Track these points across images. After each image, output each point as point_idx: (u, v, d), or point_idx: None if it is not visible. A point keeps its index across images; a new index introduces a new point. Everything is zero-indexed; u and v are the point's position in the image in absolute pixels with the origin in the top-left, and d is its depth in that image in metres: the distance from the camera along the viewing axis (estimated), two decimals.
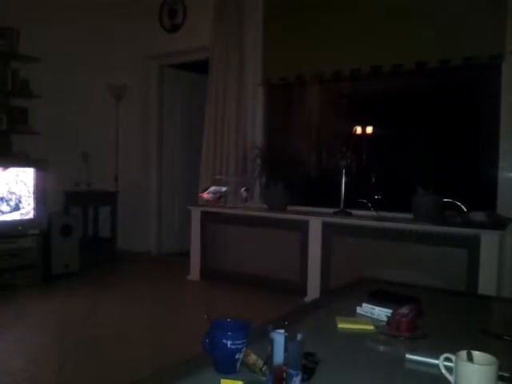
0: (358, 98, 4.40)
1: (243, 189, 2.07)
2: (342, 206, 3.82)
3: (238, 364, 1.23)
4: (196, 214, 4.49)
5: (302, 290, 3.76)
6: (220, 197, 2.16)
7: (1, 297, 3.66)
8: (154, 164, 5.58)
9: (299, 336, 1.05)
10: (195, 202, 4.62)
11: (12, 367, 2.42)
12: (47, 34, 4.70)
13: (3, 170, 3.89)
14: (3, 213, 3.88)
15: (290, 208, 4.15)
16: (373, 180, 4.01)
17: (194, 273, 4.49)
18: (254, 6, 4.46)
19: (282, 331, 1.04)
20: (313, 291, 3.68)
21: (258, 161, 4.24)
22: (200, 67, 5.01)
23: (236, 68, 4.40)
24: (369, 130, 3.92)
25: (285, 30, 4.36)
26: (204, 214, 4.44)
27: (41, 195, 4.08)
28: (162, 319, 3.34)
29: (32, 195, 4.05)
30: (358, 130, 3.93)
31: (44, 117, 4.73)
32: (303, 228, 3.78)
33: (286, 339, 1.03)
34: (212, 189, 2.15)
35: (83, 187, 4.95)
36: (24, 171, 4.01)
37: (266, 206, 4.26)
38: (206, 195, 2.09)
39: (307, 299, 3.67)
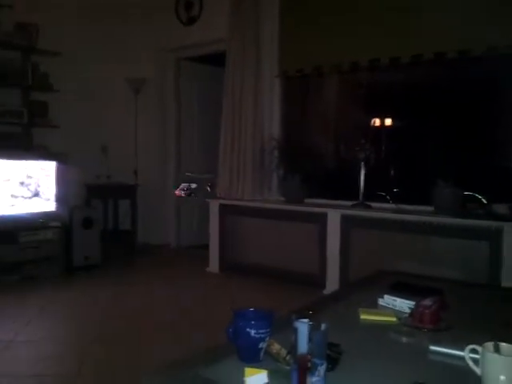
0: (377, 89, 4.35)
1: (207, 186, 2.10)
2: (360, 198, 3.79)
3: (262, 353, 1.24)
4: (214, 207, 4.52)
5: (321, 282, 3.75)
6: (190, 193, 2.18)
7: (24, 288, 3.73)
8: (172, 157, 5.61)
9: (323, 326, 1.05)
10: (214, 194, 4.64)
11: (38, 356, 2.47)
12: (66, 29, 4.76)
13: (25, 162, 3.95)
14: (25, 206, 3.95)
15: (307, 201, 4.14)
16: (392, 172, 3.98)
17: (213, 265, 4.52)
18: None
19: (306, 320, 1.04)
20: (332, 284, 3.68)
21: (276, 153, 4.24)
22: (217, 60, 5.01)
23: (252, 60, 4.38)
24: (388, 121, 3.89)
25: (301, 20, 4.33)
26: (222, 207, 4.47)
27: (62, 188, 4.13)
28: (182, 310, 3.38)
29: (53, 188, 4.11)
30: (377, 121, 3.90)
31: (64, 110, 4.79)
32: (321, 220, 3.77)
33: (310, 329, 1.03)
34: (183, 185, 2.18)
35: (103, 180, 5.00)
36: (45, 164, 4.07)
37: (283, 199, 4.26)
38: (177, 192, 2.13)
39: (326, 292, 3.67)
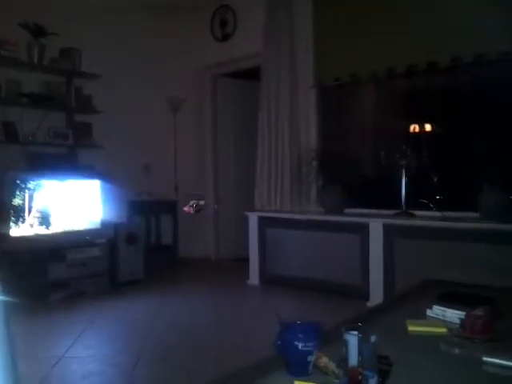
0: (416, 94, 4.28)
1: (192, 202, 2.12)
2: (403, 206, 3.72)
3: (310, 366, 1.24)
4: (253, 220, 4.54)
5: (364, 293, 3.69)
6: (199, 209, 2.20)
7: (72, 304, 3.84)
8: (210, 171, 5.70)
9: (373, 338, 1.04)
10: (251, 207, 4.67)
11: (87, 371, 2.54)
12: (106, 52, 4.94)
13: (71, 181, 4.10)
14: (72, 224, 4.09)
15: (347, 211, 4.10)
16: (434, 179, 3.89)
17: (254, 277, 4.53)
18: (303, 9, 4.46)
19: (356, 333, 1.04)
20: (376, 295, 3.61)
21: (314, 163, 4.23)
22: (252, 74, 5.08)
23: (287, 72, 4.42)
24: (428, 127, 3.81)
25: (336, 29, 4.33)
26: (261, 219, 4.48)
27: (107, 206, 4.26)
28: (226, 322, 3.40)
29: (99, 206, 4.24)
30: (417, 127, 3.83)
31: (107, 131, 4.96)
32: (363, 231, 3.72)
33: (360, 341, 1.02)
34: (191, 202, 2.20)
35: (145, 197, 5.12)
36: (90, 183, 4.21)
37: (322, 209, 4.24)
38: (186, 208, 2.16)
39: (370, 303, 3.60)
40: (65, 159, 4.60)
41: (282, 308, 3.66)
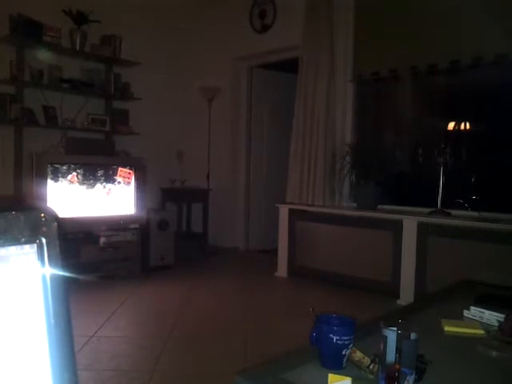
0: (457, 91, 4.17)
1: None
2: (439, 205, 3.65)
3: (345, 360, 1.23)
4: (284, 212, 4.54)
5: (394, 291, 3.64)
6: None
7: (105, 286, 3.94)
8: (242, 162, 5.72)
9: (413, 335, 1.03)
10: (283, 199, 4.66)
11: (116, 352, 2.60)
12: (146, 39, 5.01)
13: (108, 166, 4.19)
14: (107, 209, 4.18)
15: (380, 207, 4.05)
16: (472, 179, 3.79)
17: (282, 269, 4.53)
18: (344, 2, 4.39)
19: (395, 329, 1.02)
20: (406, 294, 3.56)
21: (348, 159, 4.18)
22: (289, 66, 5.05)
23: (326, 65, 4.37)
24: (468, 125, 3.71)
25: (376, 23, 4.25)
26: (292, 212, 4.47)
27: (140, 192, 4.34)
28: (254, 312, 3.42)
29: (133, 192, 4.32)
30: (457, 125, 3.74)
31: (143, 118, 5.03)
32: (396, 228, 3.66)
33: (399, 337, 1.01)
34: None
35: (178, 185, 5.19)
36: (126, 169, 4.29)
37: (355, 205, 4.20)
38: None
39: (400, 301, 3.56)
40: (102, 145, 4.70)
41: (310, 301, 3.65)
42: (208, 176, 5.50)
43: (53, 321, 0.41)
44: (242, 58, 5.52)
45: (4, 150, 4.26)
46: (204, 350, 2.68)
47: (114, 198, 4.23)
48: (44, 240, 0.42)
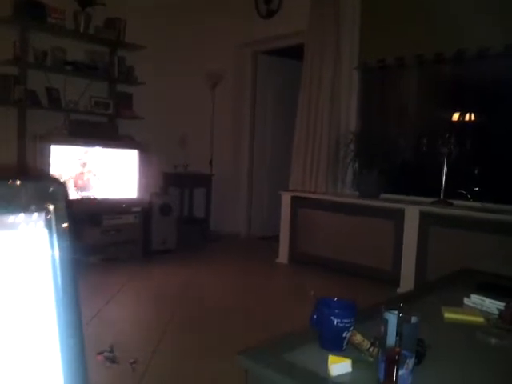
0: (463, 81, 4.14)
1: (106, 354, 2.12)
2: (441, 195, 3.64)
3: (345, 342, 1.24)
4: (286, 199, 4.54)
5: (394, 279, 3.66)
6: (113, 361, 2.16)
7: (107, 269, 3.97)
8: (245, 149, 5.71)
9: (414, 318, 1.04)
10: (285, 186, 4.66)
11: (117, 332, 2.62)
12: (149, 23, 4.96)
13: (111, 150, 4.19)
14: (110, 192, 4.19)
15: (383, 196, 4.05)
16: (476, 170, 3.78)
17: (283, 256, 4.55)
18: None
19: (396, 312, 1.03)
20: (407, 282, 3.58)
21: (352, 146, 4.17)
22: (294, 53, 5.01)
23: (331, 52, 4.33)
24: (473, 116, 3.69)
25: (383, 9, 4.21)
26: (294, 199, 4.48)
27: (143, 176, 4.34)
28: (254, 296, 3.44)
29: (136, 175, 4.32)
30: (462, 116, 3.72)
31: (146, 102, 5.01)
32: (398, 217, 3.67)
33: (400, 320, 1.02)
34: (106, 354, 2.22)
35: (180, 170, 5.19)
36: (129, 153, 4.28)
37: (358, 193, 4.20)
38: (99, 358, 2.17)
39: (400, 290, 3.57)
40: (105, 128, 4.69)
41: (310, 287, 3.67)
42: (211, 161, 5.49)
43: (60, 286, 0.42)
44: (247, 44, 5.48)
45: (7, 131, 4.25)
46: (204, 332, 2.70)
47: (117, 181, 4.24)
48: (52, 208, 0.42)
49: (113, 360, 2.20)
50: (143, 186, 4.34)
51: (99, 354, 2.23)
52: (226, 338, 2.60)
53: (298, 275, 4.20)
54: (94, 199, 4.06)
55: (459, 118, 3.71)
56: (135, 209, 4.32)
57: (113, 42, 4.78)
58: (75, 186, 3.96)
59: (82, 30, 4.55)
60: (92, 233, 4.05)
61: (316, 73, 4.41)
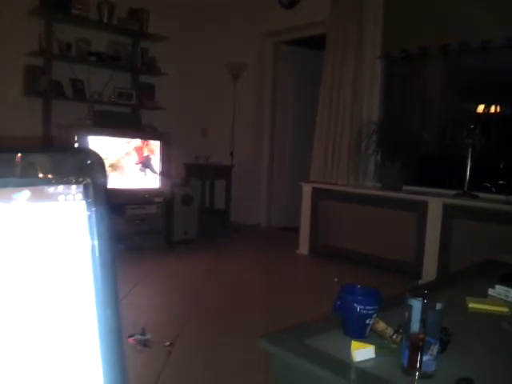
0: (489, 72, 4.05)
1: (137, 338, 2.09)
2: (465, 187, 3.59)
3: (368, 329, 1.24)
4: (307, 190, 4.53)
5: (416, 272, 3.63)
6: (145, 345, 2.14)
7: (131, 258, 4.02)
8: (266, 140, 5.70)
9: (438, 305, 1.03)
10: (306, 178, 4.65)
11: (139, 320, 2.66)
12: (172, 14, 4.98)
13: (134, 140, 4.23)
14: (134, 182, 4.24)
15: (405, 188, 4.01)
16: (501, 163, 3.71)
17: (303, 247, 4.54)
18: None
19: (420, 299, 1.03)
20: (429, 275, 3.54)
21: (374, 137, 4.13)
22: (316, 43, 4.97)
23: (354, 42, 4.28)
24: (499, 107, 3.61)
25: None
26: (315, 191, 4.46)
27: (165, 166, 4.38)
28: (275, 286, 3.46)
29: (158, 166, 4.36)
30: (488, 107, 3.64)
31: (169, 93, 5.05)
32: (421, 209, 3.63)
33: (425, 307, 1.01)
34: (137, 337, 2.20)
35: (202, 161, 5.22)
36: (151, 143, 4.33)
37: (379, 185, 4.16)
38: (131, 341, 2.14)
39: (422, 282, 3.54)
40: (128, 119, 4.75)
41: (331, 277, 3.67)
42: (232, 153, 5.50)
43: (98, 257, 0.43)
44: (269, 34, 5.45)
45: (33, 122, 4.34)
46: (228, 318, 2.73)
47: (140, 172, 4.28)
48: (90, 181, 0.44)
49: (144, 343, 2.23)
50: (165, 176, 4.38)
51: (130, 337, 2.26)
52: (247, 326, 2.62)
53: (318, 266, 4.20)
54: (119, 188, 4.12)
55: (484, 109, 3.63)
56: (158, 199, 4.37)
57: (136, 33, 4.82)
58: None
59: (105, 21, 4.60)
60: (116, 222, 4.11)
61: (338, 63, 4.37)
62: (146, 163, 4.22)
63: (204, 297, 3.14)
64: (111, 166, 4.08)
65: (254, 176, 5.70)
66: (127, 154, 4.19)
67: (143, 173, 4.26)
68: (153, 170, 4.28)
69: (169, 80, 5.03)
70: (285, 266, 4.14)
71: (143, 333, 2.31)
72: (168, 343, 2.24)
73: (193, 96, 5.26)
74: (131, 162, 4.21)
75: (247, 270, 3.94)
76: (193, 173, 5.23)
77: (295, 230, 4.72)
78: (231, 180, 5.39)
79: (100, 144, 4.00)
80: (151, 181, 4.34)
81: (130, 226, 4.18)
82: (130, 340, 2.25)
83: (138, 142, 4.20)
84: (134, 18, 4.80)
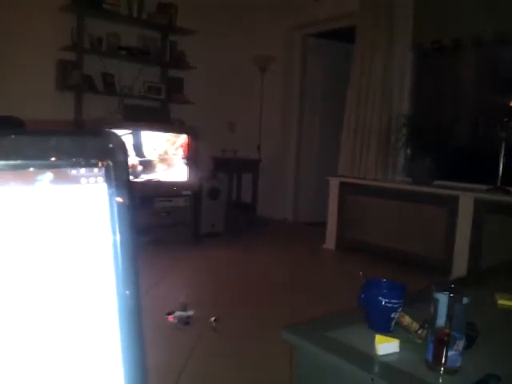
0: None
1: (178, 314, 2.02)
2: (498, 182, 3.49)
3: (393, 323, 1.23)
4: (334, 185, 4.49)
5: (446, 268, 3.56)
6: (186, 322, 2.07)
7: (157, 249, 4.08)
8: (294, 133, 5.68)
9: (465, 299, 1.01)
10: (333, 172, 4.61)
11: (166, 310, 2.70)
12: (201, 8, 5.00)
13: (164, 134, 4.29)
14: (162, 175, 4.30)
15: (436, 182, 3.92)
16: None
17: (330, 242, 4.52)
18: None
19: (447, 293, 1.01)
20: (459, 271, 3.46)
21: (404, 131, 4.06)
22: (344, 35, 4.90)
23: (384, 33, 4.21)
24: None
25: None
26: (342, 185, 4.42)
27: (193, 160, 4.41)
28: (301, 279, 3.46)
29: (186, 159, 4.40)
30: None
31: (197, 86, 5.08)
32: (452, 204, 3.55)
33: (452, 301, 0.99)
34: (178, 313, 2.09)
35: (229, 154, 5.23)
36: (180, 137, 4.36)
37: (409, 180, 4.09)
38: (171, 319, 2.04)
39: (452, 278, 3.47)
40: (157, 112, 4.80)
41: (356, 273, 3.64)
42: (259, 147, 5.50)
43: (118, 239, 0.44)
44: (297, 27, 5.41)
45: (65, 115, 4.43)
46: (254, 311, 2.75)
47: (169, 165, 4.33)
48: (112, 164, 0.44)
49: (186, 321, 2.16)
50: (193, 169, 4.41)
51: (169, 314, 2.21)
52: (274, 317, 2.63)
53: (345, 261, 4.17)
54: (148, 181, 4.18)
55: None
56: (185, 192, 4.41)
57: (165, 27, 4.86)
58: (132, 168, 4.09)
59: (135, 16, 4.66)
60: (144, 214, 4.17)
61: (367, 55, 4.30)
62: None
63: (230, 289, 3.16)
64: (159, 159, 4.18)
65: (281, 170, 5.68)
66: (176, 148, 4.28)
67: (188, 167, 4.33)
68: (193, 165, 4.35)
69: (197, 74, 5.06)
70: (311, 261, 4.12)
71: (185, 308, 2.25)
72: (213, 318, 2.20)
73: (221, 90, 5.28)
74: (178, 156, 4.28)
75: (273, 262, 3.94)
76: (220, 166, 5.25)
77: (322, 224, 4.69)
78: (258, 174, 5.40)
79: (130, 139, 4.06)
80: (179, 174, 4.38)
81: (157, 219, 4.24)
82: (170, 318, 2.19)
83: (184, 137, 4.28)
84: (163, 12, 4.84)
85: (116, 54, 4.64)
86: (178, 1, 4.88)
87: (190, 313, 2.22)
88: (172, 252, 4.03)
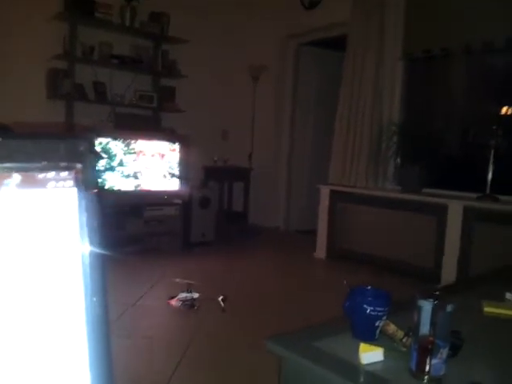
0: None
1: (183, 296, 1.97)
2: (487, 190, 3.51)
3: (377, 332, 1.22)
4: (325, 193, 4.49)
5: (435, 276, 3.56)
6: (192, 305, 2.04)
7: (146, 258, 4.06)
8: (285, 143, 5.69)
9: (449, 307, 1.00)
10: (324, 180, 4.62)
11: (155, 321, 2.68)
12: (192, 17, 5.02)
13: (153, 143, 4.28)
14: (152, 183, 4.28)
15: (425, 190, 3.94)
16: None
17: (320, 250, 4.51)
18: None
19: (431, 300, 1.00)
20: (448, 280, 3.47)
21: (394, 139, 4.08)
22: (335, 44, 4.94)
23: (375, 42, 4.25)
24: None
25: None
26: (333, 193, 4.43)
27: (184, 168, 4.40)
28: (291, 288, 3.45)
29: (177, 168, 4.39)
30: (511, 108, 3.56)
31: (188, 95, 5.09)
32: (441, 212, 3.56)
33: (435, 308, 0.99)
34: (182, 295, 2.04)
35: (220, 163, 5.23)
36: (171, 145, 4.36)
37: (399, 188, 4.10)
38: (174, 302, 1.99)
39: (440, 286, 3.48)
40: (149, 121, 4.80)
41: (347, 281, 3.64)
42: (250, 155, 5.51)
43: (87, 244, 0.43)
44: (289, 35, 5.45)
45: (55, 124, 4.42)
46: (241, 319, 2.73)
47: (159, 174, 4.32)
48: (81, 168, 0.44)
49: (192, 304, 2.08)
50: (184, 178, 4.40)
51: (171, 298, 2.12)
52: (262, 327, 2.61)
53: (334, 270, 4.16)
54: (138, 190, 4.16)
55: (507, 110, 3.55)
56: (176, 201, 4.40)
57: (157, 36, 4.88)
58: (120, 177, 4.07)
59: (127, 24, 4.67)
60: (134, 223, 4.16)
61: (358, 63, 4.34)
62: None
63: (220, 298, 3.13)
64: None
65: (273, 179, 5.69)
66: (157, 156, 4.26)
67: (178, 176, 4.32)
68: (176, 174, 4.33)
69: (189, 82, 5.07)
70: (301, 270, 4.11)
71: (190, 290, 2.18)
72: (221, 297, 2.14)
73: (212, 99, 5.30)
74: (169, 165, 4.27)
75: (263, 271, 3.93)
76: (211, 175, 5.25)
77: (314, 232, 4.69)
78: (249, 183, 5.40)
79: (120, 147, 4.05)
80: (170, 183, 4.37)
81: (147, 227, 4.22)
82: (172, 302, 2.11)
83: (175, 146, 4.28)
84: (155, 21, 4.86)
85: (108, 63, 4.64)
86: (170, 10, 4.90)
87: (196, 295, 2.16)
88: (162, 261, 4.01)
